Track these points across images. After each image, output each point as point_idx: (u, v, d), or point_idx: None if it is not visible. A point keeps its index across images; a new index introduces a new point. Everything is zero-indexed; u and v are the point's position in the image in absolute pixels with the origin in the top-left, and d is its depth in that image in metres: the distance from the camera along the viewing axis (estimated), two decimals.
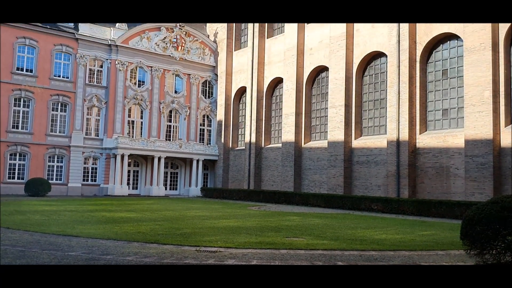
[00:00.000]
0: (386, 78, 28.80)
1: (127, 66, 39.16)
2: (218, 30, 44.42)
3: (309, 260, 8.74)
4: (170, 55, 41.40)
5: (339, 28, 31.14)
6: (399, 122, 26.94)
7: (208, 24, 46.41)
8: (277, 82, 38.31)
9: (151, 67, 40.51)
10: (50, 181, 33.90)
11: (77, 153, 36.53)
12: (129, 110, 39.59)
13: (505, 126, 22.98)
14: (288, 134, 34.83)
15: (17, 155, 34.45)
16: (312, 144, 33.99)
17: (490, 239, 7.71)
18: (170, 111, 41.94)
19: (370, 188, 28.89)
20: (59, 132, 36.26)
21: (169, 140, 41.35)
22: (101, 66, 38.47)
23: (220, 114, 43.16)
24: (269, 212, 22.57)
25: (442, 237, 13.24)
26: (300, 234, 13.05)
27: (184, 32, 42.35)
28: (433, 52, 26.89)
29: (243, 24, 43.16)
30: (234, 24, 42.94)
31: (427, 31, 26.53)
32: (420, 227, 16.55)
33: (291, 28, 35.59)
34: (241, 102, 42.62)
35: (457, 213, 20.48)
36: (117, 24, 39.17)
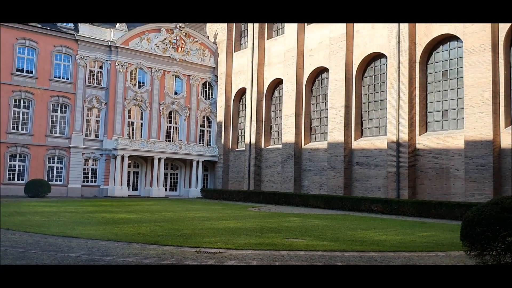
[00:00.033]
0: (386, 79, 28.82)
1: (127, 67, 39.18)
2: (218, 31, 44.44)
3: (309, 261, 8.74)
4: (170, 56, 41.42)
5: (339, 29, 31.16)
6: (399, 123, 26.95)
7: (208, 25, 46.46)
8: (277, 83, 38.33)
9: (151, 68, 40.53)
10: (50, 182, 33.88)
11: (77, 154, 36.52)
12: (129, 111, 39.60)
13: (505, 127, 22.98)
14: (288, 135, 34.83)
15: (17, 156, 34.45)
16: (312, 145, 33.99)
17: (490, 240, 7.71)
18: (170, 112, 41.95)
19: (370, 189, 28.89)
20: (59, 133, 36.26)
21: (169, 141, 41.35)
22: (101, 67, 38.48)
23: (220, 115, 43.17)
24: (269, 213, 22.56)
25: (442, 238, 13.23)
26: (300, 235, 13.05)
27: (184, 33, 42.38)
28: (433, 53, 26.91)
29: (243, 26, 43.19)
30: (234, 25, 42.98)
31: (427, 32, 26.55)
32: (420, 228, 16.54)
33: (291, 29, 35.61)
34: (241, 103, 42.64)
35: (457, 214, 20.48)
36: (117, 25, 39.22)
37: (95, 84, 37.97)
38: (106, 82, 38.40)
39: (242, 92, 42.06)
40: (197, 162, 41.26)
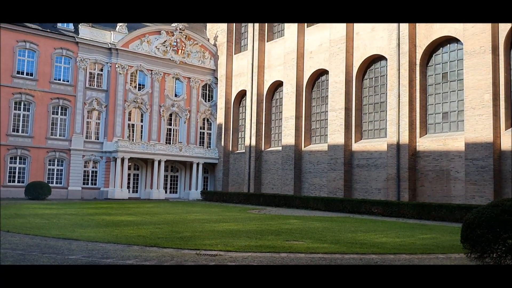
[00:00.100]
0: (386, 81, 28.82)
1: (127, 69, 39.20)
2: (218, 34, 44.49)
3: (309, 263, 8.74)
4: (170, 59, 41.46)
5: (339, 31, 31.18)
6: (399, 125, 26.94)
7: (208, 28, 46.51)
8: (277, 85, 38.34)
9: (151, 70, 40.55)
10: (50, 185, 33.88)
11: (77, 156, 36.52)
12: (129, 114, 39.61)
13: (505, 129, 22.97)
14: (288, 137, 34.83)
15: (17, 158, 34.45)
16: (312, 147, 33.99)
17: (490, 243, 7.71)
18: (170, 115, 41.96)
19: (370, 192, 28.87)
20: (59, 135, 36.27)
21: (169, 143, 41.35)
22: (101, 70, 38.52)
23: (220, 118, 43.18)
24: (269, 216, 22.54)
25: (443, 240, 13.22)
26: (300, 237, 13.04)
27: (184, 36, 42.42)
28: (433, 55, 26.92)
29: (243, 28, 43.24)
30: (234, 27, 43.04)
31: (427, 34, 26.57)
32: (420, 230, 16.52)
33: (291, 32, 35.64)
34: (241, 105, 42.66)
35: (457, 216, 20.45)
36: (117, 27, 39.27)
37: (95, 87, 37.99)
38: (106, 84, 38.42)
39: (242, 94, 42.08)
40: (197, 164, 41.25)
